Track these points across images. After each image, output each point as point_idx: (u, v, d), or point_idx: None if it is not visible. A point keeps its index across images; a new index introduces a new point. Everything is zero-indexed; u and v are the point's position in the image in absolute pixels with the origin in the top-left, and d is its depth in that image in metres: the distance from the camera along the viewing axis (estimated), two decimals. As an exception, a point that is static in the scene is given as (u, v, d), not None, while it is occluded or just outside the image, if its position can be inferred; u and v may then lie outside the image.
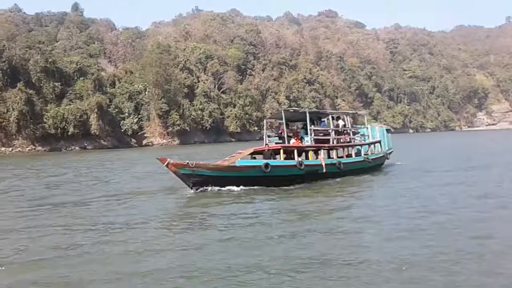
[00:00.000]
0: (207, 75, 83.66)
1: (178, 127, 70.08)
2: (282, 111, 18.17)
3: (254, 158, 17.15)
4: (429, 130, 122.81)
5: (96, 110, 59.99)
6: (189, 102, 75.54)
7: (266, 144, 18.38)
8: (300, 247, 8.04)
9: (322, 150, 17.91)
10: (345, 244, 8.24)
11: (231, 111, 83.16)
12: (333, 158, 18.49)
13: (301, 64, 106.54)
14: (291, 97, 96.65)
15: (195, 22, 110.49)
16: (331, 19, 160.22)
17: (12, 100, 53.40)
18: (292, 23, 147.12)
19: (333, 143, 18.66)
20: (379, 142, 22.06)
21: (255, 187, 15.10)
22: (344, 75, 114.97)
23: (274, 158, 16.64)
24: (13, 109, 52.95)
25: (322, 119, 19.89)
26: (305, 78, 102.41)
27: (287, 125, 18.51)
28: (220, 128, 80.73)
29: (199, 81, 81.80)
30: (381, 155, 21.45)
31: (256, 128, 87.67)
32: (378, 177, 18.67)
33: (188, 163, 14.35)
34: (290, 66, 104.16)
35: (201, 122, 75.62)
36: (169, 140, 69.50)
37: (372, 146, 21.21)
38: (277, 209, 12.07)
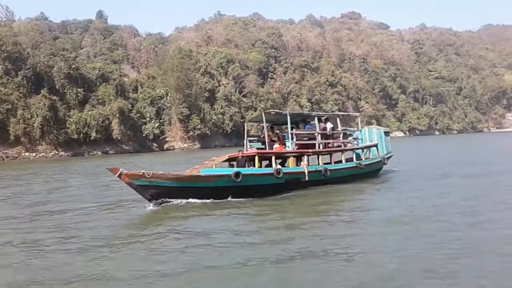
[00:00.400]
0: (228, 79, 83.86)
1: (199, 131, 70.44)
2: (263, 113, 16.47)
3: (232, 165, 15.57)
4: (455, 131, 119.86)
5: (117, 115, 60.85)
6: (210, 106, 75.85)
7: (246, 150, 16.87)
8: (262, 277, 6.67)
9: (305, 156, 16.14)
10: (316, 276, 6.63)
11: (252, 114, 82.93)
12: (318, 164, 16.56)
13: (323, 67, 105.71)
14: (313, 100, 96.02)
15: (217, 27, 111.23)
16: (354, 21, 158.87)
17: (36, 106, 54.64)
18: (315, 25, 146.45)
19: (319, 148, 16.98)
20: (376, 146, 20.07)
21: (224, 199, 13.47)
22: (368, 77, 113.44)
23: (250, 166, 15.19)
24: (37, 115, 54.15)
25: (310, 122, 18.29)
26: (327, 81, 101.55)
27: (272, 128, 17.45)
28: (241, 131, 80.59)
29: (220, 85, 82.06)
30: (377, 160, 19.47)
31: (277, 131, 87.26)
32: (368, 186, 16.77)
33: (144, 173, 12.78)
34: (312, 69, 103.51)
35: (222, 126, 75.75)
36: (190, 144, 69.91)
37: (367, 150, 19.41)
38: (237, 228, 9.99)
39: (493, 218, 10.04)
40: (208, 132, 72.34)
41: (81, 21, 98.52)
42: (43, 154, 54.32)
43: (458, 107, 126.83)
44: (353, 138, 19.82)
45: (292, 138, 16.25)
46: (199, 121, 71.31)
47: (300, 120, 18.36)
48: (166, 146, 67.87)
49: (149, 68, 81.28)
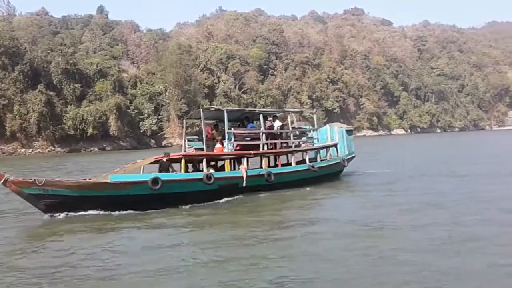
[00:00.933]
0: (227, 75, 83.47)
1: (198, 128, 69.45)
2: (201, 110, 15.12)
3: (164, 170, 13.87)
4: (457, 129, 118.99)
5: (115, 111, 60.57)
6: (209, 103, 75.39)
7: (184, 150, 15.57)
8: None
9: (245, 159, 14.49)
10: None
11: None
12: (262, 167, 15.13)
13: (324, 63, 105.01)
14: (313, 97, 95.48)
15: (218, 23, 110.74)
16: (357, 17, 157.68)
17: (32, 102, 54.46)
18: (317, 21, 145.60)
19: (263, 149, 15.31)
20: (335, 146, 18.43)
21: (141, 211, 11.83)
22: (369, 73, 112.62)
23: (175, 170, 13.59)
24: (33, 111, 53.97)
25: (255, 119, 16.86)
26: (328, 77, 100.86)
27: (216, 126, 15.94)
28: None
29: (219, 82, 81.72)
30: (334, 162, 17.72)
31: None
32: (318, 191, 15.09)
33: (35, 180, 10.96)
34: (313, 65, 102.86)
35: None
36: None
37: (324, 151, 17.85)
38: (147, 244, 8.69)
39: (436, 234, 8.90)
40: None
41: (82, 16, 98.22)
42: (39, 150, 54.18)
43: (460, 104, 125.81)
44: (308, 138, 17.98)
45: (230, 138, 14.75)
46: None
47: (244, 118, 16.92)
48: (164, 142, 67.59)
49: (149, 64, 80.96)
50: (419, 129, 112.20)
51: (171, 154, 13.79)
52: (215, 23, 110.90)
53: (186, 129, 16.68)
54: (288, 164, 16.47)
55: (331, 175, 17.38)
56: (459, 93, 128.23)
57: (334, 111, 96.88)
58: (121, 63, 76.90)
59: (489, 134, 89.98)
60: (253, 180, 14.06)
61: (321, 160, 17.28)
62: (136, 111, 66.48)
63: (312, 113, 21.51)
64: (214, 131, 15.75)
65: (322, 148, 17.83)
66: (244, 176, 13.75)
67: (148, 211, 11.90)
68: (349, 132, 19.87)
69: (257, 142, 15.36)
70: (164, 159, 13.47)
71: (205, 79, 78.68)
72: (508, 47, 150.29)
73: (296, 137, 17.36)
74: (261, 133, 15.50)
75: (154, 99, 70.07)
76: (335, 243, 8.54)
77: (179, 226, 10.48)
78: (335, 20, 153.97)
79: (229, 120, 16.22)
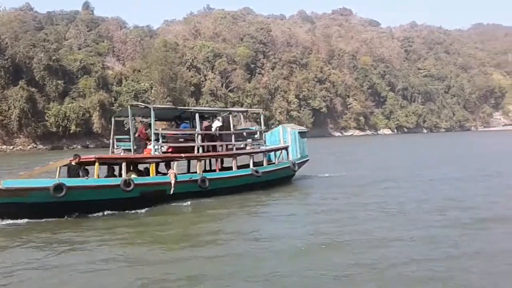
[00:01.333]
0: (214, 74, 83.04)
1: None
2: (129, 107, 13.92)
3: (87, 171, 12.16)
4: (443, 130, 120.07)
5: (98, 108, 59.77)
6: (195, 101, 74.93)
7: (111, 151, 14.28)
8: None
9: (174, 162, 13.26)
10: None
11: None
12: (197, 172, 13.73)
13: (312, 63, 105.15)
14: (300, 96, 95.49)
15: (206, 21, 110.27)
16: (345, 17, 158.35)
17: (13, 98, 53.47)
18: (306, 21, 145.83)
19: (198, 151, 13.91)
20: (286, 148, 17.23)
21: (42, 220, 10.57)
22: (357, 73, 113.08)
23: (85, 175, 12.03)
24: (14, 107, 53.03)
25: (185, 119, 15.58)
26: (316, 77, 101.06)
27: (150, 125, 14.14)
28: (225, 126, 80.00)
29: (206, 80, 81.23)
30: (283, 166, 16.51)
31: (264, 127, 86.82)
32: (257, 198, 13.89)
33: None
34: (300, 65, 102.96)
35: (208, 121, 74.90)
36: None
37: (273, 154, 16.61)
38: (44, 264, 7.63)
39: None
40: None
41: (67, 12, 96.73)
42: (20, 147, 53.25)
43: (446, 105, 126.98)
44: (254, 140, 16.36)
45: (157, 139, 13.21)
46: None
47: (176, 117, 15.69)
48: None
49: (134, 61, 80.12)
50: (405, 129, 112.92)
51: (82, 157, 12.18)
52: (202, 21, 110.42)
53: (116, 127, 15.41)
54: (227, 168, 15.24)
55: (279, 180, 16.09)
56: (445, 94, 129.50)
57: (321, 110, 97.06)
58: (107, 60, 75.94)
59: (474, 135, 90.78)
60: (183, 187, 12.80)
61: (269, 164, 16.04)
62: (120, 108, 65.58)
63: (258, 113, 19.27)
64: (148, 131, 14.01)
65: (269, 151, 16.48)
66: (172, 182, 12.48)
67: (44, 220, 10.61)
68: (302, 134, 18.60)
69: (192, 144, 13.95)
70: (73, 162, 11.87)
71: (192, 77, 78.16)
72: (493, 49, 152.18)
73: (240, 139, 16.03)
74: (196, 134, 14.06)
75: (139, 96, 69.21)
76: (259, 263, 7.49)
77: (68, 242, 9.04)
78: (323, 20, 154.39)
79: (163, 119, 15.55)
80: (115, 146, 14.86)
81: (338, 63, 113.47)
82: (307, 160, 18.69)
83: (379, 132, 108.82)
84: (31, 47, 59.63)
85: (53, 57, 60.21)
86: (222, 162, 15.74)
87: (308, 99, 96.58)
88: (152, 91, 70.21)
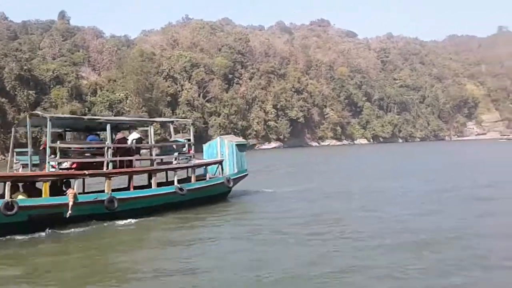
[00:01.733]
0: (191, 84, 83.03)
1: (159, 137, 69.04)
2: (27, 116, 12.26)
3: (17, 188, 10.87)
4: (418, 139, 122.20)
5: (71, 119, 59.01)
6: (171, 111, 74.77)
7: (8, 166, 12.73)
8: None
9: (75, 180, 11.51)
10: None
11: (215, 120, 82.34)
12: (105, 191, 11.92)
13: (290, 73, 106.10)
14: (278, 106, 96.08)
15: (184, 31, 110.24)
16: (323, 28, 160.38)
17: (-18, 109, 52.56)
18: (284, 32, 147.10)
19: (107, 167, 12.25)
20: (220, 163, 15.86)
21: None
22: (334, 84, 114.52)
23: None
24: (-17, 118, 52.08)
25: (95, 131, 14.07)
26: (293, 87, 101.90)
27: (60, 136, 12.92)
28: (203, 138, 79.77)
29: (183, 90, 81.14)
30: (216, 182, 15.08)
31: (241, 138, 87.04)
32: (177, 220, 12.36)
33: None
34: (278, 75, 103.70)
35: (183, 131, 74.46)
36: (148, 150, 68.61)
37: (203, 169, 15.21)
38: None
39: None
40: (168, 137, 71.12)
41: (43, 22, 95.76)
42: (-11, 158, 52.13)
43: (421, 115, 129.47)
44: (180, 154, 14.73)
45: (52, 154, 11.43)
46: (159, 126, 70.00)
47: (87, 128, 14.05)
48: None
49: (110, 71, 79.66)
50: (381, 139, 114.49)
51: None
52: (180, 31, 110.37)
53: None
54: (146, 186, 13.78)
55: (210, 198, 14.62)
56: (420, 104, 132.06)
57: (299, 120, 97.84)
58: (82, 70, 75.33)
59: (447, 144, 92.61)
60: (86, 208, 11.25)
61: (197, 181, 14.49)
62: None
63: (188, 124, 16.94)
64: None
65: (198, 166, 14.94)
66: (70, 203, 10.77)
67: None
68: (241, 147, 17.02)
69: (100, 159, 12.28)
70: None
71: (168, 87, 78.01)
72: (467, 60, 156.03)
73: (164, 153, 14.64)
74: (105, 148, 12.38)
75: (114, 106, 68.86)
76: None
77: None
78: (302, 30, 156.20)
79: (77, 130, 14.00)
80: (15, 161, 13.00)
81: (316, 73, 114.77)
82: (246, 175, 17.16)
83: (355, 141, 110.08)
84: (3, 57, 58.83)
85: (25, 67, 59.47)
86: (149, 178, 13.97)
87: (286, 109, 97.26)
88: (128, 101, 69.85)
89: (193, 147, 15.24)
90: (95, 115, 65.35)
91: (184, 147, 15.23)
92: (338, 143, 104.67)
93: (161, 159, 14.50)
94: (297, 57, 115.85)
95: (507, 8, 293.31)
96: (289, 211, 13.52)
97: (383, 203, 14.67)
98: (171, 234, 10.94)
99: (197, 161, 15.14)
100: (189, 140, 15.49)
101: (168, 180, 14.63)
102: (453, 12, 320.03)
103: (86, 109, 64.21)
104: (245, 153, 17.34)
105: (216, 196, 15.05)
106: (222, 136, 18.20)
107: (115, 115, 67.45)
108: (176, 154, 14.67)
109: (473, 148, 61.80)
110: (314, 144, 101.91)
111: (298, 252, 8.72)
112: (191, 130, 16.13)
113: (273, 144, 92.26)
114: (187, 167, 14.62)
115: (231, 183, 15.68)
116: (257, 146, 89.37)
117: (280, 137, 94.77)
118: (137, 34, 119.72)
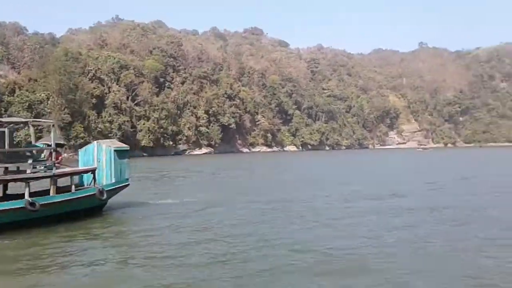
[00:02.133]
0: (119, 86, 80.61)
1: (82, 140, 66.19)
2: None
3: None
4: (344, 147, 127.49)
5: (-17, 119, 54.93)
6: (97, 114, 72.06)
7: None
8: None
9: None
10: None
11: (144, 124, 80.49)
12: None
13: (222, 79, 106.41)
14: (210, 112, 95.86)
15: (113, 31, 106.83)
16: (256, 37, 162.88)
17: None
18: (218, 38, 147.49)
19: None
20: (92, 171, 13.85)
21: None
22: (265, 91, 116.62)
23: None
24: None
25: None
26: (225, 93, 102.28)
27: None
28: (131, 142, 77.60)
29: (110, 92, 78.50)
30: (84, 194, 13.06)
31: (171, 143, 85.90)
32: (25, 243, 10.28)
33: None
34: (211, 81, 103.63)
35: (109, 135, 71.99)
36: (71, 154, 65.41)
37: (71, 178, 12.93)
38: None
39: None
40: (92, 141, 68.42)
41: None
42: None
43: (347, 124, 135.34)
44: (37, 161, 12.54)
45: None
46: (82, 129, 67.28)
47: None
48: (42, 155, 62.75)
49: (31, 70, 75.24)
50: (310, 146, 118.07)
51: None
52: (110, 31, 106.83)
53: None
54: None
55: (76, 212, 12.70)
56: (347, 113, 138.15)
57: (230, 126, 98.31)
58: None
59: (370, 152, 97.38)
60: None
61: (61, 193, 12.47)
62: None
63: (49, 124, 14.33)
64: None
65: (60, 176, 12.62)
66: None
67: None
68: (122, 153, 14.82)
69: None
70: None
71: (94, 88, 75.08)
72: (390, 73, 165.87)
73: (11, 160, 12.15)
74: None
75: (34, 107, 65.06)
76: None
77: None
78: (235, 38, 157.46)
79: None
80: None
81: (248, 80, 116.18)
82: (126, 186, 15.13)
83: (285, 148, 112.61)
84: None
85: None
86: (5, 189, 12.17)
87: (218, 115, 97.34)
88: (49, 102, 66.32)
89: (63, 153, 13.30)
90: (12, 116, 61.54)
91: (42, 152, 12.92)
92: (269, 149, 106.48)
93: (6, 167, 11.85)
94: (230, 63, 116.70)
95: (427, 25, 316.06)
96: (159, 229, 11.81)
97: (279, 217, 13.65)
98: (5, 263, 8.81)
99: (59, 170, 12.73)
100: (49, 145, 12.98)
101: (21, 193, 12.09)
102: (379, 26, 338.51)
103: (3, 109, 60.08)
104: (127, 160, 15.16)
105: (86, 210, 13.05)
106: (100, 141, 15.83)
107: (34, 117, 63.76)
108: (30, 161, 12.27)
109: (392, 157, 65.02)
110: (245, 150, 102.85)
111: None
112: (52, 132, 13.06)
113: (204, 150, 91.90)
114: (43, 177, 12.24)
115: (105, 195, 13.57)
116: (187, 151, 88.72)
117: (211, 143, 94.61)
118: (63, 33, 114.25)
